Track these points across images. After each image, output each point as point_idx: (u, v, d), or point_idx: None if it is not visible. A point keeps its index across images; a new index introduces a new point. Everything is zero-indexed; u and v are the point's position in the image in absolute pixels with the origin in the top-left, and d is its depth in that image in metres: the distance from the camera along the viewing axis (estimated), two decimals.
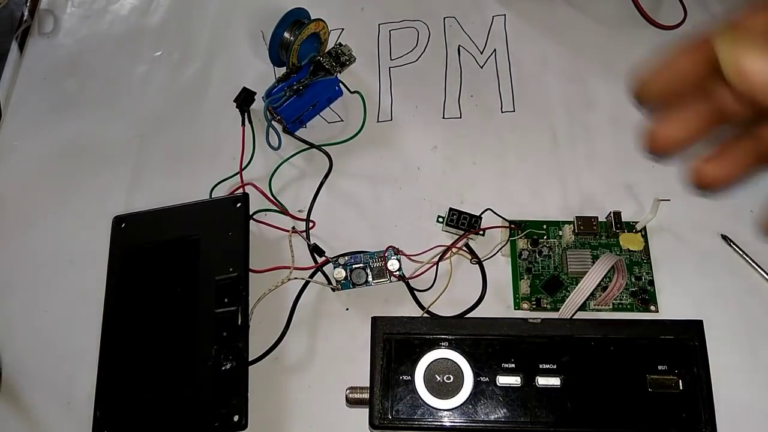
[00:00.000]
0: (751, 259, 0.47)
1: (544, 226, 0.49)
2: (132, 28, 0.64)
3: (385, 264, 0.48)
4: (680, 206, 0.49)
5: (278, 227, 0.50)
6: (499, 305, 0.47)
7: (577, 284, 0.44)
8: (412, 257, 0.48)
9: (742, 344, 0.45)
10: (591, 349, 0.39)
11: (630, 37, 0.56)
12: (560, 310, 0.44)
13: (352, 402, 0.40)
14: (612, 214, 0.48)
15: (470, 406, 0.38)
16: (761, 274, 0.46)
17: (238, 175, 0.52)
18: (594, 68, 0.55)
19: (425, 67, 0.57)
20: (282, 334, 0.47)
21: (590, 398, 0.38)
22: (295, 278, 0.49)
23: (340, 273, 0.48)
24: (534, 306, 0.47)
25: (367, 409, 0.39)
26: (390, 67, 0.57)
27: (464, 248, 0.48)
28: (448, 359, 0.39)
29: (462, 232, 0.48)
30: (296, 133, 0.54)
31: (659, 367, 0.38)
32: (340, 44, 0.56)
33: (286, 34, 0.53)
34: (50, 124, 0.60)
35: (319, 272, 0.49)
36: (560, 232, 0.49)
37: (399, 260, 0.48)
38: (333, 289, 0.49)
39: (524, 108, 0.54)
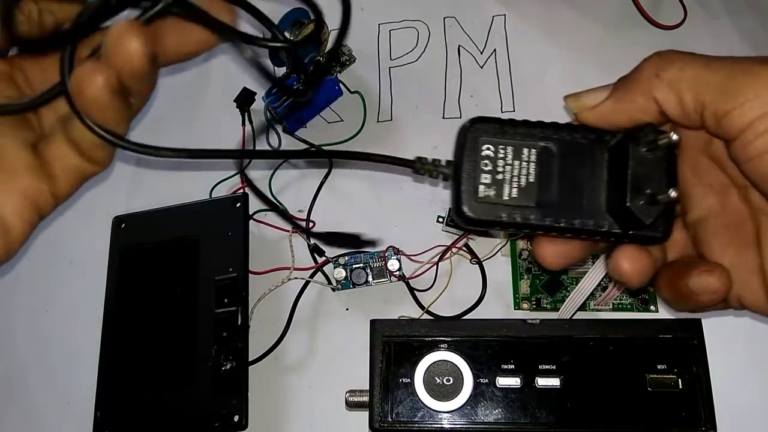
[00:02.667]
0: None
1: None
2: None
3: (385, 264, 0.48)
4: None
5: (278, 227, 0.51)
6: (499, 305, 0.47)
7: (577, 284, 0.44)
8: (412, 257, 0.48)
9: (741, 343, 0.45)
10: (590, 349, 0.39)
11: (630, 37, 0.56)
12: (560, 311, 0.44)
13: (351, 405, 0.40)
14: None
15: (470, 408, 0.38)
16: None
17: (238, 175, 0.52)
18: (594, 68, 0.55)
19: (425, 67, 0.57)
20: (282, 334, 0.47)
21: (590, 398, 0.38)
22: (295, 278, 0.49)
23: (340, 273, 0.48)
24: (534, 306, 0.47)
25: (367, 412, 0.39)
26: (390, 67, 0.57)
27: (464, 248, 0.48)
28: (448, 361, 0.39)
29: (462, 232, 0.48)
30: (296, 133, 0.54)
31: (658, 367, 0.38)
32: (341, 44, 0.56)
33: (286, 34, 0.53)
34: None
35: (319, 272, 0.49)
36: None
37: (399, 260, 0.48)
38: (333, 289, 0.49)
39: (524, 108, 0.54)
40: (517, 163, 0.24)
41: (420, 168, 0.26)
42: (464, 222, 0.24)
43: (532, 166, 0.24)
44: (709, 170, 0.27)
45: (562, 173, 0.25)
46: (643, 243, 0.25)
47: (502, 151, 0.24)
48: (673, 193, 0.23)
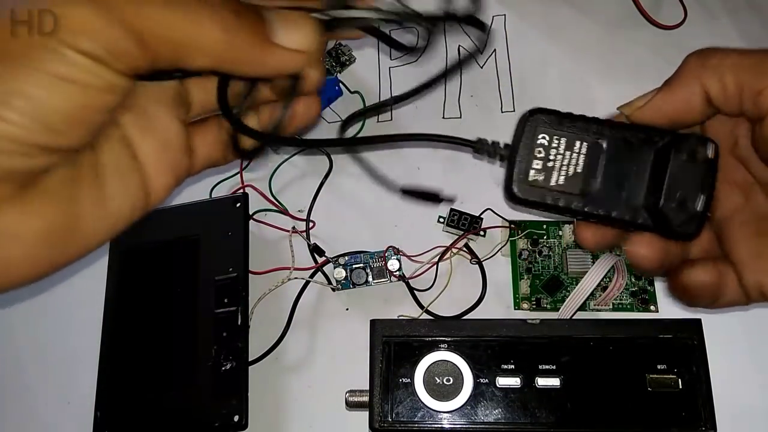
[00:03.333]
0: None
1: (544, 226, 0.49)
2: None
3: (385, 264, 0.48)
4: None
5: (278, 227, 0.51)
6: (499, 305, 0.47)
7: (577, 284, 0.44)
8: (412, 257, 0.48)
9: (741, 343, 0.45)
10: (590, 349, 0.39)
11: (630, 37, 0.56)
12: (560, 311, 0.44)
13: (351, 405, 0.40)
14: None
15: (470, 408, 0.38)
16: None
17: (238, 175, 0.52)
18: (594, 68, 0.55)
19: (425, 67, 0.57)
20: (282, 334, 0.47)
21: (590, 398, 0.38)
22: (295, 278, 0.49)
23: (340, 273, 0.48)
24: (534, 306, 0.47)
25: (367, 412, 0.39)
26: (390, 67, 0.57)
27: (464, 248, 0.48)
28: (448, 361, 0.39)
29: (462, 232, 0.48)
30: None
31: (658, 367, 0.38)
32: (340, 44, 0.56)
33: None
34: None
35: (319, 272, 0.49)
36: (560, 232, 0.49)
37: (399, 260, 0.48)
38: (333, 289, 0.49)
39: (524, 108, 0.53)
40: (568, 153, 0.27)
41: (480, 148, 0.28)
42: (512, 200, 0.27)
43: (582, 157, 0.27)
44: (735, 170, 0.29)
45: (607, 167, 0.27)
46: (672, 238, 0.27)
47: (555, 141, 0.27)
48: (699, 206, 0.26)
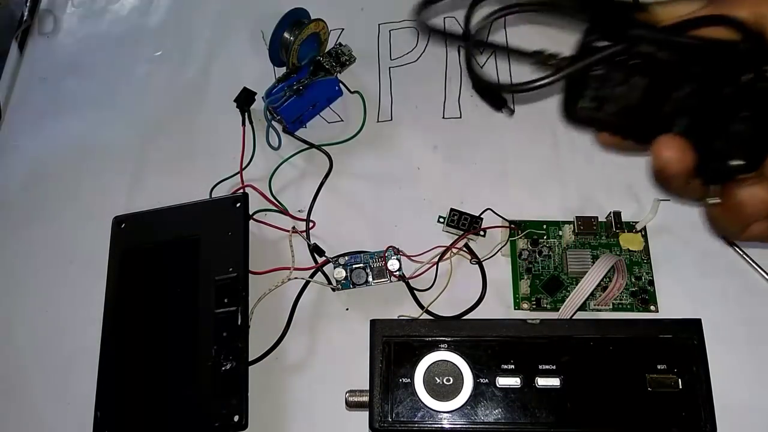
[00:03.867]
0: (750, 259, 0.47)
1: (544, 226, 0.49)
2: (132, 28, 0.64)
3: (385, 264, 0.48)
4: (680, 206, 0.49)
5: (278, 227, 0.51)
6: (499, 305, 0.47)
7: (577, 284, 0.44)
8: (412, 257, 0.48)
9: (741, 343, 0.45)
10: (590, 349, 0.39)
11: None
12: (560, 311, 0.44)
13: (351, 405, 0.40)
14: (612, 214, 0.48)
15: (470, 408, 0.38)
16: (761, 274, 0.46)
17: (238, 175, 0.52)
18: None
19: (425, 67, 0.57)
20: (282, 334, 0.47)
21: (590, 398, 0.38)
22: (295, 278, 0.49)
23: (340, 273, 0.48)
24: (534, 306, 0.47)
25: (367, 412, 0.39)
26: (390, 67, 0.57)
27: (464, 248, 0.48)
28: (448, 361, 0.39)
29: (462, 232, 0.48)
30: (296, 133, 0.54)
31: (658, 367, 0.38)
32: (340, 44, 0.56)
33: (286, 35, 0.53)
34: (50, 124, 0.60)
35: (319, 272, 0.49)
36: (560, 232, 0.49)
37: (399, 260, 0.48)
38: (333, 289, 0.49)
39: (524, 108, 0.54)
40: (622, 88, 0.25)
41: (539, 61, 0.28)
42: (563, 117, 0.28)
43: (638, 92, 0.25)
44: None
45: (661, 103, 0.25)
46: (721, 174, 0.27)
47: (612, 75, 0.25)
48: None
